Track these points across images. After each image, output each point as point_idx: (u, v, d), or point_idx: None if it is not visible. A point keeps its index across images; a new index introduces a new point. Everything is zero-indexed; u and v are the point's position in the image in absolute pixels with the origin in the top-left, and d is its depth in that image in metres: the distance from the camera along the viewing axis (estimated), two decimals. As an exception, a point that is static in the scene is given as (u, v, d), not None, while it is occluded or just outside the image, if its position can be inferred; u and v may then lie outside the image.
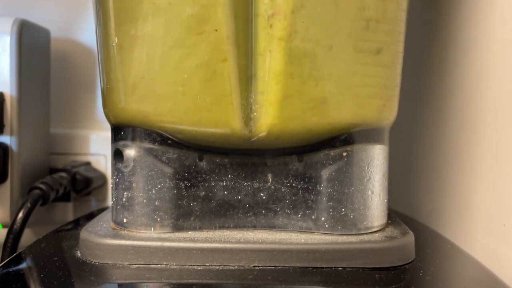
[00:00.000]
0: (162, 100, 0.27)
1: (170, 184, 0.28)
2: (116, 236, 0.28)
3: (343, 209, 0.28)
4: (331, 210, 0.29)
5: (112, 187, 0.30)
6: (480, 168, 0.34)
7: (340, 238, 0.28)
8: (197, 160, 0.29)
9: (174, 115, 0.27)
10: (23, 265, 0.28)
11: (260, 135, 0.27)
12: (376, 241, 0.28)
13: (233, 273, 0.26)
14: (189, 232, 0.29)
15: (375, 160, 0.29)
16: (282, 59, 0.26)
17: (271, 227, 0.30)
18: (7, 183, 0.41)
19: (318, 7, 0.26)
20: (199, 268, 0.27)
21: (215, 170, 0.29)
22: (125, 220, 0.29)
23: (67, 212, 0.50)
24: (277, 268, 0.27)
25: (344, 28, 0.27)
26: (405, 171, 0.46)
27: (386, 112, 0.29)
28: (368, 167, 0.29)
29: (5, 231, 0.40)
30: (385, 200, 0.30)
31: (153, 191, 0.28)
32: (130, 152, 0.29)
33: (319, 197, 0.29)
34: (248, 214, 0.30)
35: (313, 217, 0.29)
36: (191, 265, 0.27)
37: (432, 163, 0.41)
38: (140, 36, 0.27)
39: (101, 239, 0.28)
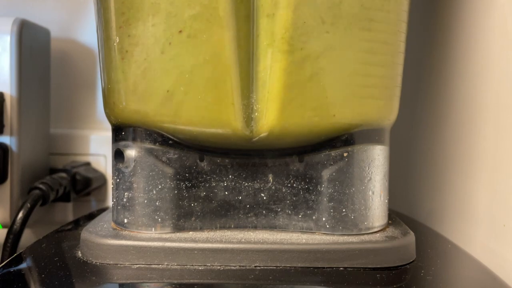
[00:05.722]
0: (163, 100, 0.27)
1: (171, 185, 0.28)
2: (117, 236, 0.28)
3: (344, 210, 0.29)
4: (332, 210, 0.29)
5: (112, 187, 0.30)
6: (480, 168, 0.34)
7: (341, 238, 0.28)
8: (198, 160, 0.29)
9: (175, 116, 0.27)
10: (23, 266, 0.28)
11: (261, 135, 0.27)
12: (377, 241, 0.28)
13: (234, 273, 0.26)
14: (190, 232, 0.29)
15: (376, 160, 0.29)
16: (283, 59, 0.26)
17: (272, 227, 0.30)
18: (7, 183, 0.41)
19: (319, 7, 0.26)
20: (200, 268, 0.27)
21: (215, 171, 0.29)
22: (126, 221, 0.29)
23: (67, 212, 0.50)
24: (278, 268, 0.27)
25: (345, 28, 0.27)
26: (405, 171, 0.46)
27: (387, 112, 0.29)
28: (368, 168, 0.29)
29: (5, 231, 0.40)
30: (386, 201, 0.30)
31: (154, 192, 0.28)
32: (131, 152, 0.29)
33: (320, 197, 0.29)
34: (249, 215, 0.30)
35: (314, 217, 0.29)
36: (192, 265, 0.27)
37: (432, 163, 0.41)
38: (141, 36, 0.27)
39: (102, 239, 0.28)
